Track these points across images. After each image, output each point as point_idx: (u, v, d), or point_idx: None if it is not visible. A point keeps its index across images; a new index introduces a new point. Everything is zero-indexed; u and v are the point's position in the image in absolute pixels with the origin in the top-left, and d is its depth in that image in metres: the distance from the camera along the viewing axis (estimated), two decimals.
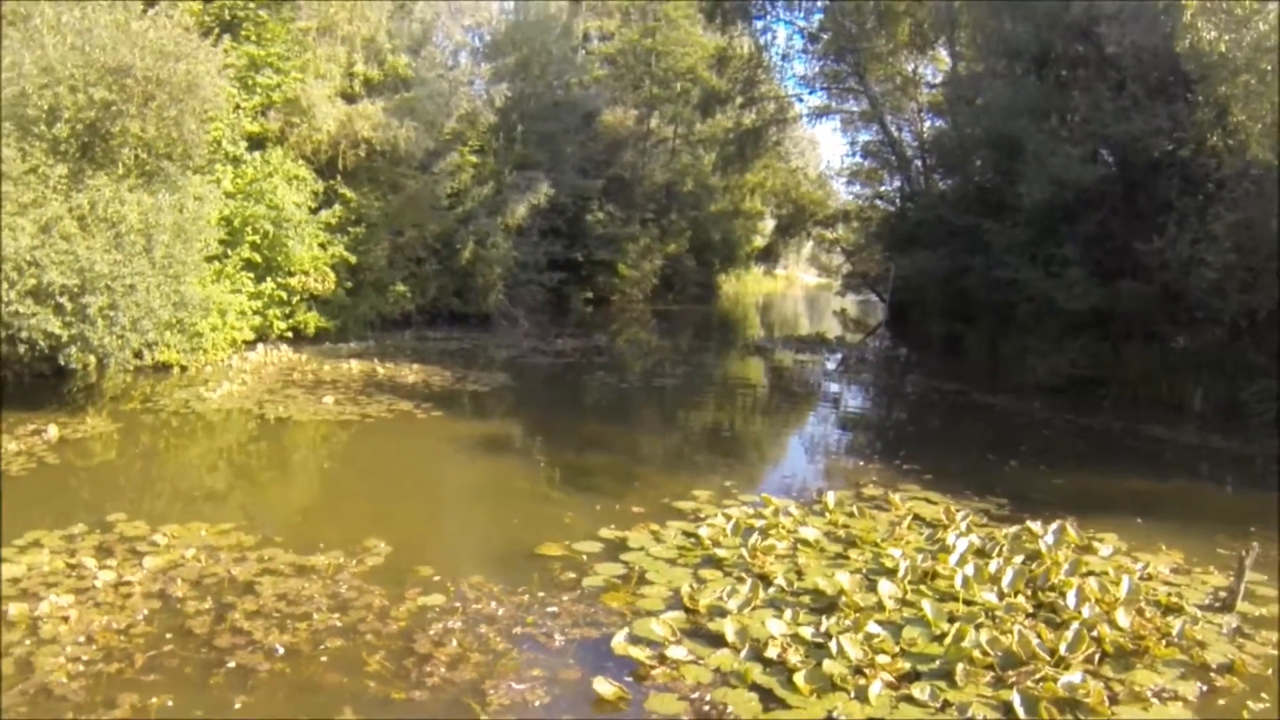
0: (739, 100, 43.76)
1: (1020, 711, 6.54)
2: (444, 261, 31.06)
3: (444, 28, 32.56)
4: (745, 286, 67.24)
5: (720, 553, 9.61)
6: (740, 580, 8.72)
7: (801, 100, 44.59)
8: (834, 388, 25.17)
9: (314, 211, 24.74)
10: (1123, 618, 8.08)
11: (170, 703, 6.43)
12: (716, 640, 7.61)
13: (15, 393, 15.30)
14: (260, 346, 22.88)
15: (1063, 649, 7.34)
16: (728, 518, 10.64)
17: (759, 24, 41.83)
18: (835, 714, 6.55)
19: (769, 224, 60.40)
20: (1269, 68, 12.33)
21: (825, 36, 39.78)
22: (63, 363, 15.77)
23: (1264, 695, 7.40)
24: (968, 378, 25.42)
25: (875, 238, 41.90)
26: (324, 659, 7.16)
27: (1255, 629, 8.68)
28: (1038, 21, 23.64)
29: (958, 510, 11.36)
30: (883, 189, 42.41)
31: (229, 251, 21.86)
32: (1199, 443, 17.69)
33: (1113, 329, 22.65)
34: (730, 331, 41.66)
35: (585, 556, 9.66)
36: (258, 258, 22.99)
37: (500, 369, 23.46)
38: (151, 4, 17.48)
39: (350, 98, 26.66)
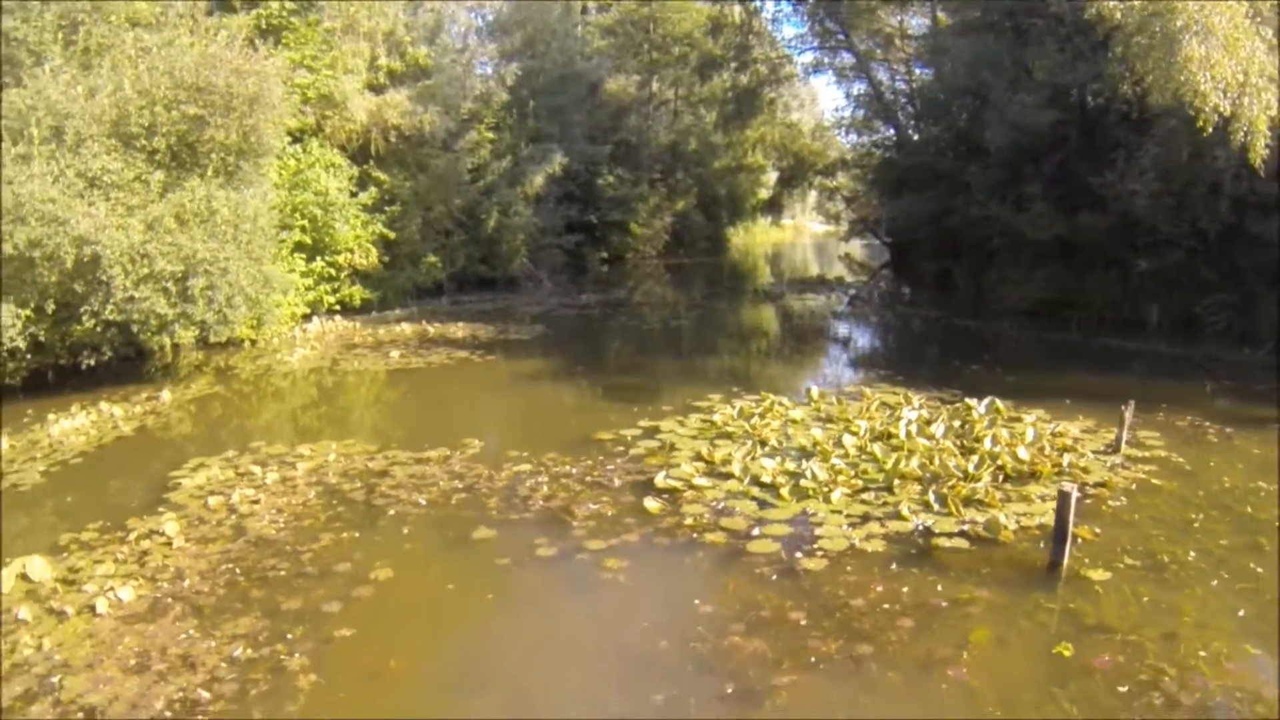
0: (733, 65, 45.91)
1: (935, 505, 9.63)
2: (470, 232, 33.55)
3: (451, 13, 35.17)
4: (754, 238, 68.96)
5: (729, 429, 12.85)
6: (743, 443, 11.83)
7: (791, 61, 46.65)
8: (833, 321, 27.97)
9: (353, 195, 27.43)
10: (1023, 452, 11.11)
11: (357, 534, 9.53)
12: (727, 476, 10.88)
13: (105, 374, 17.79)
14: (315, 319, 25.66)
15: (970, 468, 10.36)
16: (734, 408, 13.77)
17: None
18: (808, 510, 9.65)
19: (772, 176, 62.26)
20: (1158, 29, 15.05)
21: None
22: (169, 340, 18.85)
23: (1123, 498, 10.36)
24: (954, 308, 28.19)
25: (873, 184, 43.70)
26: (455, 504, 10.38)
27: (1134, 464, 11.61)
28: None
29: (915, 396, 14.33)
30: (875, 138, 44.21)
31: (283, 235, 24.57)
32: (1146, 350, 20.32)
33: (1078, 257, 25.03)
34: (741, 281, 44.10)
35: (629, 437, 12.92)
36: (308, 240, 25.67)
37: (534, 322, 26.52)
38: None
39: (376, 89, 29.23)
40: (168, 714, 6.31)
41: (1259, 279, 20.26)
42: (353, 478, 11.49)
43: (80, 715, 6.33)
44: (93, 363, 17.17)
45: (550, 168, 36.73)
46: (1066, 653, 6.98)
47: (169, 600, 8.11)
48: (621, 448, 12.45)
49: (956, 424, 12.47)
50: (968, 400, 13.61)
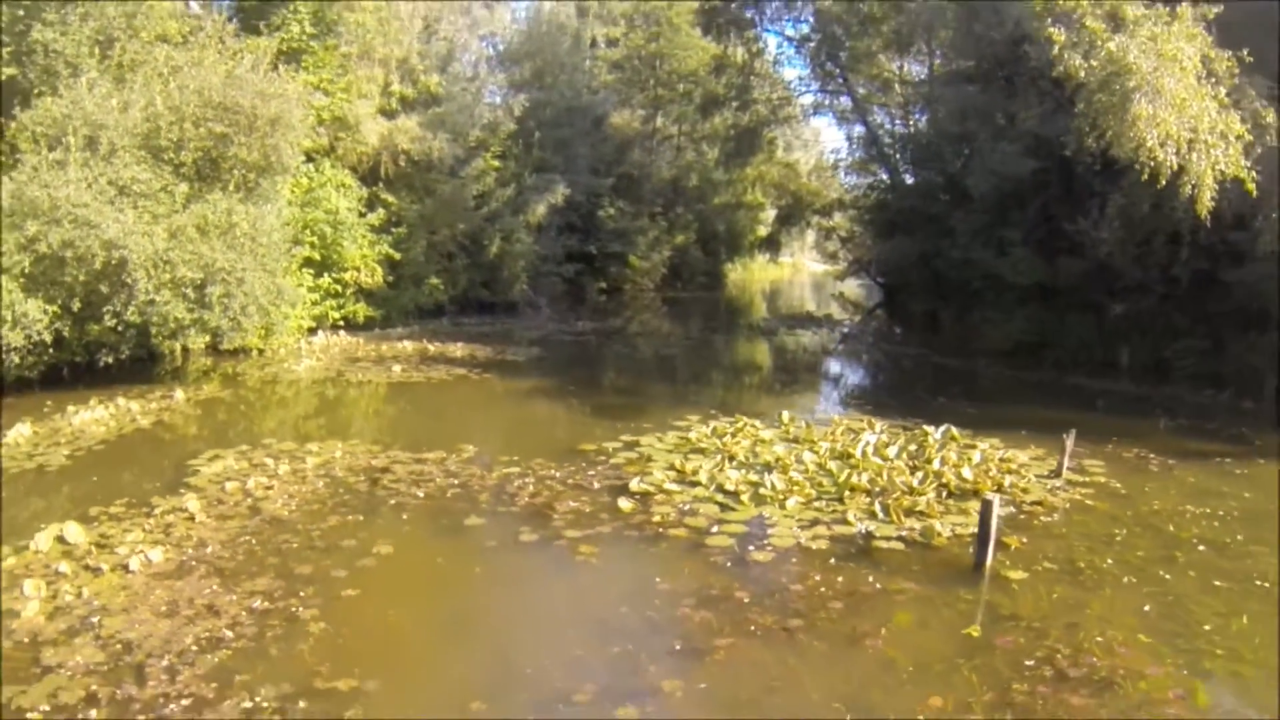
0: (735, 104, 47.15)
1: (879, 514, 10.70)
2: (473, 256, 34.77)
3: (463, 42, 36.49)
4: (752, 274, 69.78)
5: (703, 446, 13.98)
6: (713, 457, 12.97)
7: (791, 103, 47.95)
8: (824, 357, 29.12)
9: (361, 215, 28.56)
10: (967, 472, 12.20)
11: (361, 518, 10.62)
12: (695, 484, 12.00)
13: (117, 374, 18.70)
14: (320, 333, 26.71)
15: (915, 484, 11.43)
16: (710, 427, 14.87)
17: (750, 34, 45.21)
18: (764, 514, 10.75)
19: (771, 214, 63.31)
20: (1118, 88, 16.25)
21: (814, 40, 43.01)
22: (180, 344, 20.00)
23: (1055, 515, 11.41)
24: (938, 347, 29.24)
25: (867, 225, 44.84)
26: (450, 497, 11.50)
27: (1072, 487, 12.65)
28: (982, 34, 27.48)
29: (879, 423, 15.41)
30: (870, 180, 45.30)
31: (293, 251, 25.58)
32: (1113, 389, 21.31)
33: (1057, 300, 26.15)
34: (736, 315, 45.34)
35: (611, 449, 14.03)
36: (317, 256, 26.74)
37: (531, 345, 27.61)
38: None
39: (389, 114, 30.46)
40: (195, 648, 7.35)
41: (1228, 325, 21.16)
42: (357, 472, 12.60)
43: (119, 647, 7.36)
44: (110, 361, 18.13)
45: (553, 198, 37.98)
46: (975, 633, 8.04)
47: (194, 563, 9.17)
48: (603, 457, 13.57)
49: (912, 448, 13.57)
50: (925, 427, 14.71)
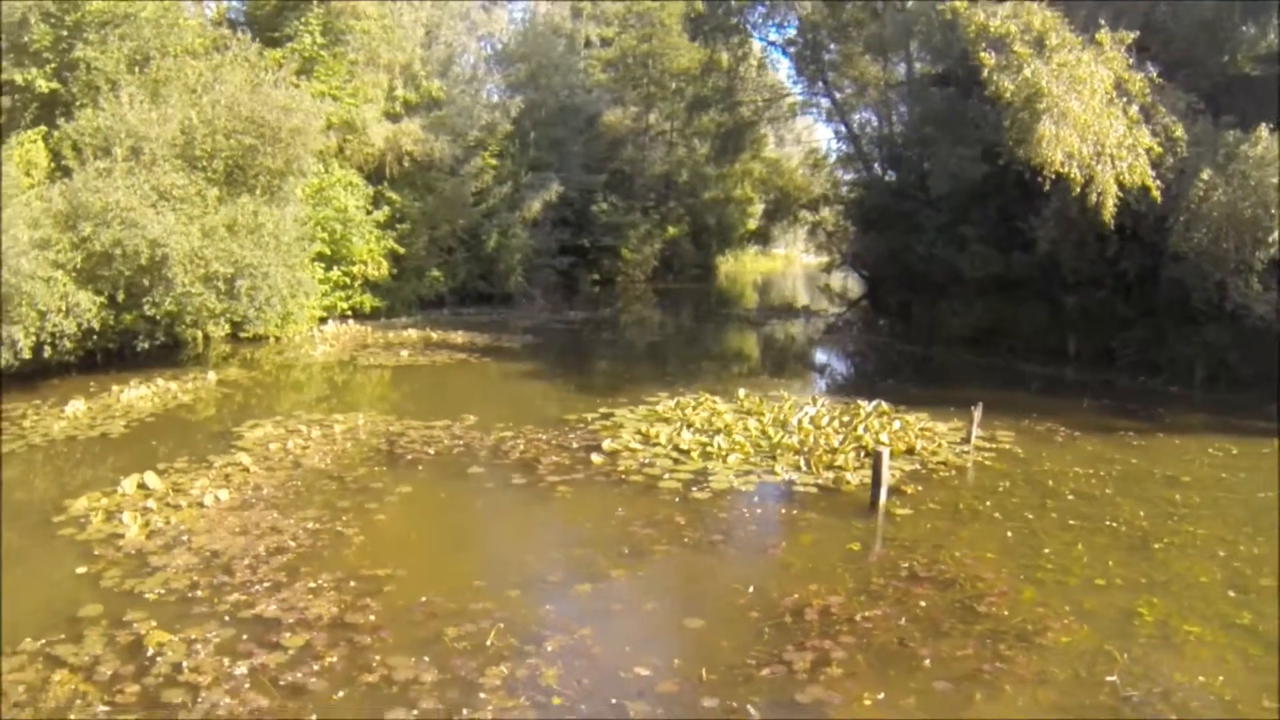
0: (721, 106, 49.16)
1: (803, 467, 13.18)
2: (472, 250, 37.18)
3: (462, 44, 38.79)
4: (743, 266, 71.84)
5: (667, 416, 16.48)
6: (673, 424, 15.41)
7: (774, 105, 50.10)
8: (807, 347, 31.48)
9: (368, 212, 30.88)
10: (884, 437, 14.58)
11: (385, 469, 13.19)
12: (656, 445, 14.55)
13: (145, 360, 21.04)
14: (330, 322, 29.07)
15: (837, 444, 13.89)
16: (674, 401, 17.34)
17: (736, 39, 47.23)
18: (709, 467, 13.29)
19: (760, 208, 65.07)
20: (1038, 106, 18.58)
21: (798, 44, 44.92)
22: (202, 332, 22.37)
23: (954, 471, 13.80)
24: (909, 336, 31.54)
25: (851, 220, 46.63)
26: (455, 454, 14.09)
27: (979, 452, 14.97)
28: (941, 46, 29.78)
29: (821, 399, 17.85)
30: (851, 176, 47.27)
31: (305, 246, 27.72)
32: (1058, 375, 23.31)
33: (1014, 293, 28.18)
34: (725, 306, 47.45)
35: (589, 418, 16.59)
36: (327, 251, 28.98)
37: (525, 333, 30.10)
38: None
39: (393, 117, 32.73)
40: (266, 553, 9.84)
41: (1169, 317, 23.08)
42: (378, 435, 15.19)
43: (208, 554, 9.81)
44: (146, 346, 20.49)
45: (548, 194, 40.24)
46: (855, 548, 10.50)
47: (254, 500, 11.67)
48: (582, 425, 16.12)
49: (844, 418, 15.99)
50: (860, 401, 17.11)
